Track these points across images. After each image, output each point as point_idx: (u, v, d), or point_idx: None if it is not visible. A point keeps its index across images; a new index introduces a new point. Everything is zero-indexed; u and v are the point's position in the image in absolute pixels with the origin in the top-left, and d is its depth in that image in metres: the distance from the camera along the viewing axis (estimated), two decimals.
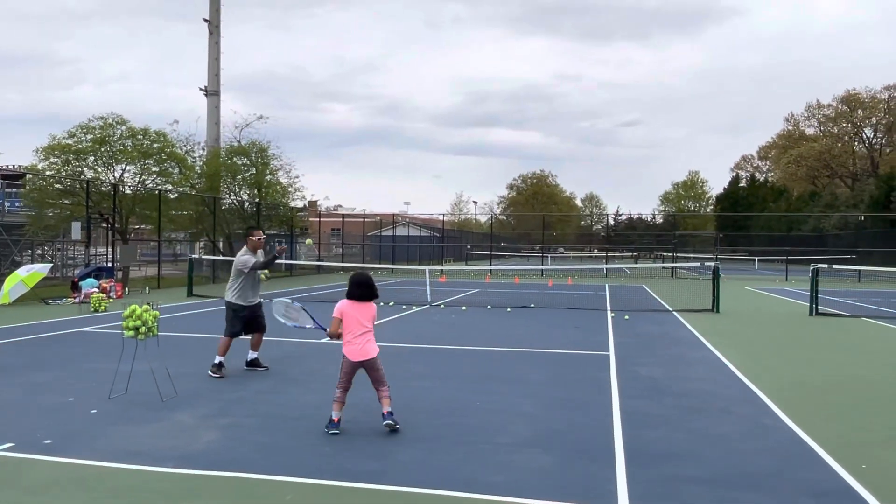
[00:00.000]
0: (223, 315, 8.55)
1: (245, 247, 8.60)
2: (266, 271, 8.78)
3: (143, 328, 6.64)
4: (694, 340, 11.58)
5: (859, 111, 70.99)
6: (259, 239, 8.66)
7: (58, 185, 23.13)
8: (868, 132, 72.73)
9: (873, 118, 71.00)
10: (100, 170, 24.17)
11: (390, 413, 5.86)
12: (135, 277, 24.52)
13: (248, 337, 8.62)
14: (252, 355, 8.64)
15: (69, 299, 16.78)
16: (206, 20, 33.27)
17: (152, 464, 4.87)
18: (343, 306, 5.94)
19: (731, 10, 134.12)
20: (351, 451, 5.22)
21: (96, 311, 14.67)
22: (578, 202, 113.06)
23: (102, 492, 4.42)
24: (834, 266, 20.79)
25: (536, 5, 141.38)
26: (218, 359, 8.17)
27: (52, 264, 20.92)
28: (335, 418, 5.82)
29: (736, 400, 7.15)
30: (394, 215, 57.37)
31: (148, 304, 6.83)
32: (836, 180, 73.23)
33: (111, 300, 16.22)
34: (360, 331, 5.91)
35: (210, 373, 8.09)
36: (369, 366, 5.92)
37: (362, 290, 6.00)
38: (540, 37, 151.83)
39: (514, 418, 6.27)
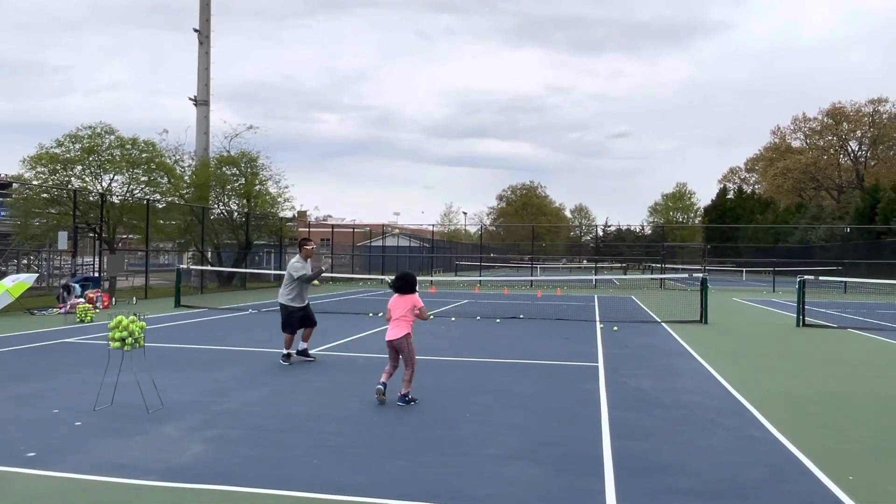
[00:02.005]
0: (210, 326, 8.65)
1: (298, 255, 10.00)
2: (317, 280, 10.28)
3: (130, 339, 6.57)
4: (682, 351, 11.61)
5: (844, 124, 71.91)
6: (311, 248, 10.08)
7: (44, 195, 22.96)
8: (853, 145, 73.66)
9: (858, 131, 71.94)
10: (87, 179, 24.03)
11: (404, 395, 7.19)
12: (122, 288, 24.33)
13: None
14: (302, 346, 10.01)
15: (55, 310, 16.63)
16: (196, 30, 33.28)
17: (137, 477, 4.81)
18: (391, 299, 7.45)
19: (721, 24, 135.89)
20: (338, 464, 5.19)
21: (82, 321, 14.53)
22: (568, 213, 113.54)
23: None
24: (820, 277, 20.94)
25: (528, 17, 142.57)
26: (285, 351, 9.71)
27: (37, 274, 20.72)
28: (381, 379, 7.29)
29: (724, 411, 7.17)
30: (383, 226, 57.33)
31: (135, 314, 6.77)
32: (822, 192, 73.99)
33: (97, 311, 16.08)
34: (396, 316, 7.33)
35: (281, 361, 9.63)
36: (395, 346, 7.31)
37: (398, 285, 7.42)
38: (531, 49, 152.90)
39: (503, 430, 6.25)
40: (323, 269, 10.11)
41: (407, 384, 7.24)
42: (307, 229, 41.19)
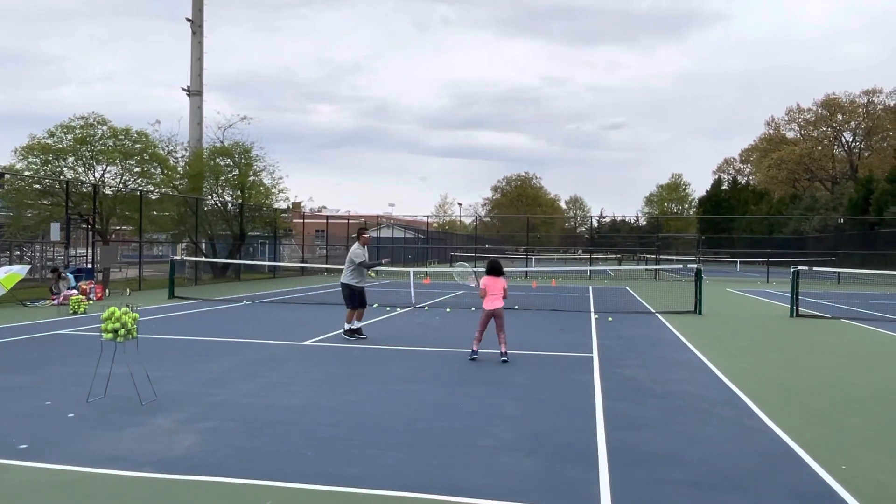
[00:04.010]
0: (205, 317, 8.64)
1: (357, 242, 11.62)
2: (372, 272, 11.36)
3: (122, 330, 6.54)
4: (676, 342, 11.63)
5: (839, 115, 71.97)
6: (369, 237, 11.87)
7: (37, 186, 22.81)
8: (847, 136, 73.78)
9: (852, 122, 72.02)
10: (80, 170, 23.88)
11: (504, 353, 9.37)
12: (115, 279, 24.24)
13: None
14: (356, 325, 11.41)
15: (48, 301, 16.56)
16: (188, 20, 33.02)
17: (131, 469, 4.79)
18: (484, 279, 9.52)
19: (717, 15, 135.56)
20: (333, 456, 5.18)
21: (75, 313, 14.48)
22: (563, 204, 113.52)
23: (79, 498, 4.35)
24: (814, 268, 21.01)
25: (525, 8, 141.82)
26: (346, 326, 11.36)
27: (30, 266, 20.62)
28: (474, 348, 9.53)
29: (718, 402, 7.18)
30: (378, 217, 57.23)
31: (127, 306, 6.74)
32: (816, 183, 74.16)
33: (91, 302, 16.02)
34: (495, 293, 9.42)
35: (343, 335, 11.32)
36: (496, 314, 9.41)
37: (495, 270, 9.54)
38: (528, 39, 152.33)
39: (498, 421, 6.25)
40: (383, 261, 11.93)
41: (505, 345, 9.45)
42: (302, 220, 41.09)
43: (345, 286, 11.53)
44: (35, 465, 4.88)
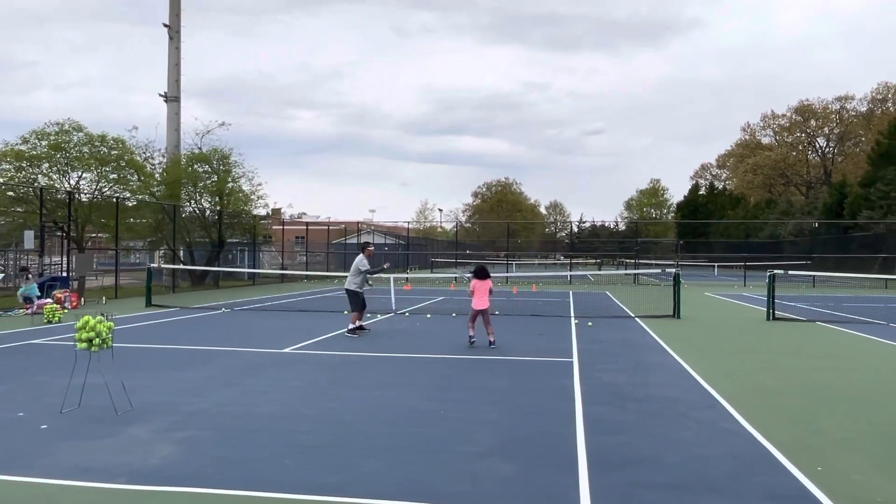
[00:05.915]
0: (182, 325, 8.63)
1: (361, 254, 13.18)
2: (371, 280, 13.05)
3: (97, 340, 6.44)
4: (655, 346, 11.72)
5: (812, 121, 73.22)
6: (372, 250, 13.56)
7: (10, 193, 22.45)
8: (821, 141, 75.05)
9: (826, 128, 73.30)
10: (55, 177, 23.54)
11: (492, 341, 11.21)
12: (91, 287, 23.89)
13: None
14: (358, 323, 12.96)
15: (21, 310, 16.27)
16: (165, 25, 32.75)
17: (105, 480, 4.71)
18: (473, 281, 11.49)
19: (695, 22, 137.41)
20: (312, 464, 5.14)
21: (49, 322, 14.24)
22: (543, 210, 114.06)
23: None
24: (790, 272, 21.30)
25: (506, 15, 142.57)
26: (351, 326, 12.82)
27: (3, 274, 20.28)
28: (470, 334, 11.49)
29: (696, 405, 7.24)
30: (358, 223, 57.05)
31: (102, 314, 6.64)
32: (791, 188, 75.30)
33: (66, 311, 15.77)
34: (480, 294, 11.33)
35: (347, 334, 12.62)
36: (482, 312, 11.27)
37: (481, 274, 11.52)
38: (509, 46, 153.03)
39: (478, 426, 6.25)
40: (385, 266, 13.79)
41: (492, 334, 11.30)
42: (281, 227, 40.84)
43: (349, 292, 12.96)
44: (7, 478, 4.78)
